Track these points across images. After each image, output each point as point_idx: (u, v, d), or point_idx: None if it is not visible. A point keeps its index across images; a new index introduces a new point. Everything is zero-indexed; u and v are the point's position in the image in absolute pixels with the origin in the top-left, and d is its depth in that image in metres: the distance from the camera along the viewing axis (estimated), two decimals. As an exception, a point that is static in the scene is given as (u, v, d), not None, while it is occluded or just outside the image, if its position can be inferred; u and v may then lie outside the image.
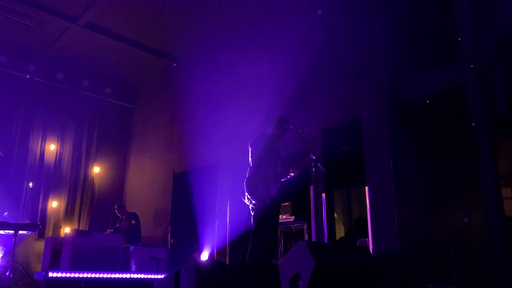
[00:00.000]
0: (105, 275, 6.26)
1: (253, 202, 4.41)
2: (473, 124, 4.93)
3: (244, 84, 7.93)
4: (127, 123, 11.39)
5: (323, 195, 6.19)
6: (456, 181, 5.70)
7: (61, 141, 10.23)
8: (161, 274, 6.68)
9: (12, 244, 6.17)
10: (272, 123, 4.78)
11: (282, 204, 5.97)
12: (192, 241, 8.20)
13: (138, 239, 8.08)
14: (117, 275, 6.40)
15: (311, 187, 6.05)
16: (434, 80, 5.67)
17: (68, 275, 6.03)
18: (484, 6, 5.23)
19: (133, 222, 8.23)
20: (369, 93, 6.11)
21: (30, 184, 9.57)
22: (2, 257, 7.12)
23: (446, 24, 5.61)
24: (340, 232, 8.33)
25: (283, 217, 6.66)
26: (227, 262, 7.22)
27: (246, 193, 4.43)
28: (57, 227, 9.75)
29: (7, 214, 8.70)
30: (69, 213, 10.01)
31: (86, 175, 10.49)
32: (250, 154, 4.59)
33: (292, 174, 4.57)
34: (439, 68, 5.65)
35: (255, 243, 4.36)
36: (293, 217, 6.81)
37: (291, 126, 4.70)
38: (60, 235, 8.82)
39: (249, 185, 4.43)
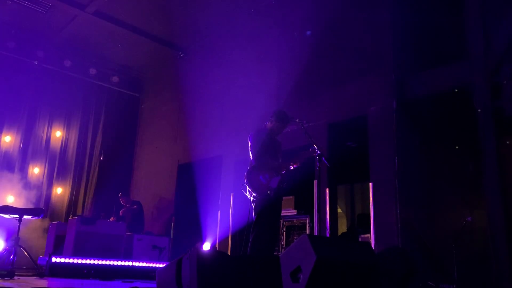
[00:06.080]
0: (107, 262, 6.34)
1: (254, 194, 4.42)
2: (479, 123, 4.91)
3: (251, 76, 7.92)
4: (133, 112, 11.41)
5: (327, 190, 6.19)
6: (460, 180, 5.68)
7: (67, 128, 10.29)
8: (163, 263, 6.74)
9: (16, 228, 6.23)
10: (273, 117, 4.77)
11: (285, 198, 6.00)
12: (195, 231, 8.24)
13: (141, 227, 8.13)
14: (119, 262, 6.47)
15: (315, 182, 6.05)
16: (442, 78, 5.64)
17: (70, 260, 6.11)
18: (494, 6, 5.19)
19: (135, 207, 8.26)
20: (376, 90, 6.09)
21: (36, 170, 9.65)
22: (6, 240, 7.19)
23: (456, 22, 5.57)
24: (342, 227, 8.35)
25: (286, 211, 6.67)
26: (229, 253, 7.25)
27: (247, 186, 4.44)
28: (61, 213, 9.83)
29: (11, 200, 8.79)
30: (73, 200, 10.09)
31: (91, 162, 10.54)
32: (250, 148, 4.59)
33: (293, 167, 4.57)
34: (447, 66, 5.61)
35: (255, 235, 4.38)
36: (296, 210, 6.82)
37: (297, 120, 4.67)
38: (64, 221, 8.88)
39: (249, 178, 4.44)
